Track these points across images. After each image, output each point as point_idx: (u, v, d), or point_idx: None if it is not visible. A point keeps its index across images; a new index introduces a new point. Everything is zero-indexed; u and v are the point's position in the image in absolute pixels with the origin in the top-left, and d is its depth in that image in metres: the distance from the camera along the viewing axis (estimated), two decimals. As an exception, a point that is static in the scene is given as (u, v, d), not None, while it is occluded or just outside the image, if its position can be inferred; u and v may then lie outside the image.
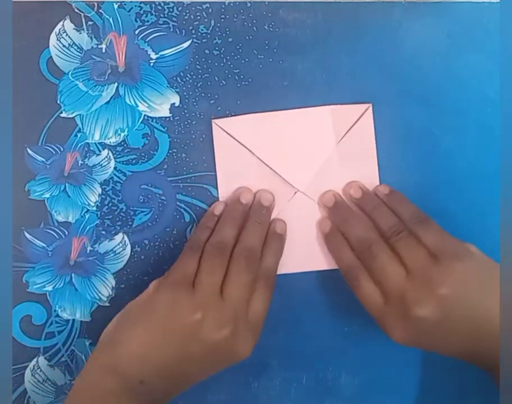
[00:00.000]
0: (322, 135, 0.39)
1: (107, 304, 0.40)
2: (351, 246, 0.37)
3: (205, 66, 0.39)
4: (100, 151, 0.39)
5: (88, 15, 0.39)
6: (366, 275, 0.35)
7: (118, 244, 0.40)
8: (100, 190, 0.40)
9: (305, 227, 0.40)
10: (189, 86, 0.39)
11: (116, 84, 0.39)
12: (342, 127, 0.39)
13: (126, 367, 0.32)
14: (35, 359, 0.40)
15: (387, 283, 0.34)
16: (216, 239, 0.36)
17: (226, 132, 0.39)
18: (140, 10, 0.39)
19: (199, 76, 0.39)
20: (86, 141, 0.39)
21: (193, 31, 0.39)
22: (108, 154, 0.40)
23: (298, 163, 0.39)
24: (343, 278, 0.37)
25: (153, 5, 0.39)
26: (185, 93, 0.39)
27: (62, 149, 0.39)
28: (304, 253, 0.40)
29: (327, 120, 0.39)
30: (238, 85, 0.39)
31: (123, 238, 0.40)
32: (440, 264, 0.33)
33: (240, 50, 0.39)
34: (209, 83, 0.39)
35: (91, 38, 0.39)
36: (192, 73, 0.39)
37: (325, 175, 0.40)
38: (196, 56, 0.39)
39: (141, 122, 0.39)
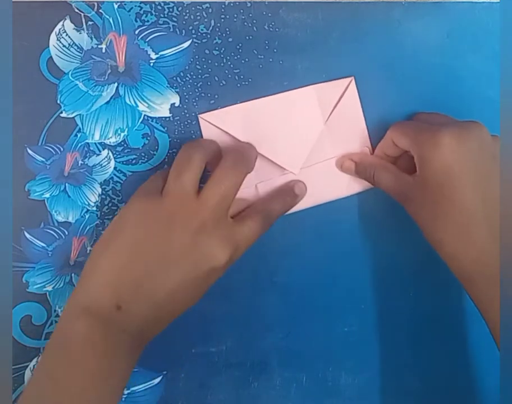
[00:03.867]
0: (310, 115, 0.39)
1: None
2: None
3: (205, 66, 0.39)
4: (100, 151, 0.39)
5: (88, 15, 0.39)
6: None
7: (118, 244, 0.40)
8: (100, 190, 0.40)
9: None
10: (189, 86, 0.39)
11: (116, 84, 0.39)
12: (328, 104, 0.39)
13: (99, 297, 0.31)
14: (35, 359, 0.40)
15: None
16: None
17: (214, 126, 0.39)
18: (140, 10, 0.39)
19: (199, 76, 0.39)
20: (86, 141, 0.39)
21: (193, 31, 0.39)
22: (108, 154, 0.40)
23: (290, 146, 0.39)
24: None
25: (153, 5, 0.39)
26: (185, 93, 0.39)
27: (62, 149, 0.39)
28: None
29: (312, 100, 0.39)
30: (238, 85, 0.39)
31: (123, 238, 0.40)
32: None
33: (240, 50, 0.39)
34: (209, 83, 0.39)
35: (91, 38, 0.39)
36: (192, 73, 0.39)
37: (318, 154, 0.40)
38: (196, 56, 0.39)
39: (141, 122, 0.39)
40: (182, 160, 0.34)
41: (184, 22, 0.39)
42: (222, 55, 0.39)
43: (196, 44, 0.39)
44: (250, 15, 0.39)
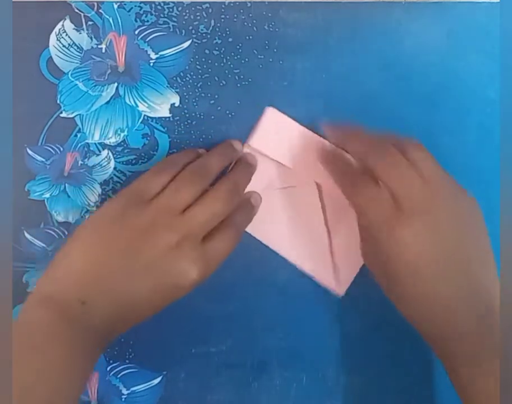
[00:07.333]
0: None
1: (107, 304, 0.40)
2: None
3: (205, 66, 0.39)
4: (100, 151, 0.39)
5: (88, 15, 0.39)
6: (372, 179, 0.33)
7: (118, 244, 0.40)
8: (100, 190, 0.40)
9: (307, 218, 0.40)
10: (189, 86, 0.39)
11: (116, 84, 0.39)
12: None
13: (65, 289, 0.31)
14: (35, 359, 0.40)
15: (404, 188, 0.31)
16: (199, 163, 0.35)
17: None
18: (140, 10, 0.39)
19: (199, 76, 0.39)
20: (86, 141, 0.39)
21: (193, 31, 0.39)
22: (108, 154, 0.40)
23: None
24: (348, 188, 0.35)
25: (153, 5, 0.39)
26: (185, 93, 0.39)
27: (61, 149, 0.39)
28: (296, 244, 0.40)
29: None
30: (238, 85, 0.39)
31: (123, 238, 0.40)
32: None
33: (240, 50, 0.39)
34: (209, 83, 0.39)
35: (91, 38, 0.39)
36: (192, 73, 0.39)
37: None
38: (196, 56, 0.39)
39: (141, 122, 0.39)
40: (191, 175, 0.34)
41: (184, 22, 0.39)
42: (222, 55, 0.39)
43: (196, 44, 0.39)
44: (250, 15, 0.39)
